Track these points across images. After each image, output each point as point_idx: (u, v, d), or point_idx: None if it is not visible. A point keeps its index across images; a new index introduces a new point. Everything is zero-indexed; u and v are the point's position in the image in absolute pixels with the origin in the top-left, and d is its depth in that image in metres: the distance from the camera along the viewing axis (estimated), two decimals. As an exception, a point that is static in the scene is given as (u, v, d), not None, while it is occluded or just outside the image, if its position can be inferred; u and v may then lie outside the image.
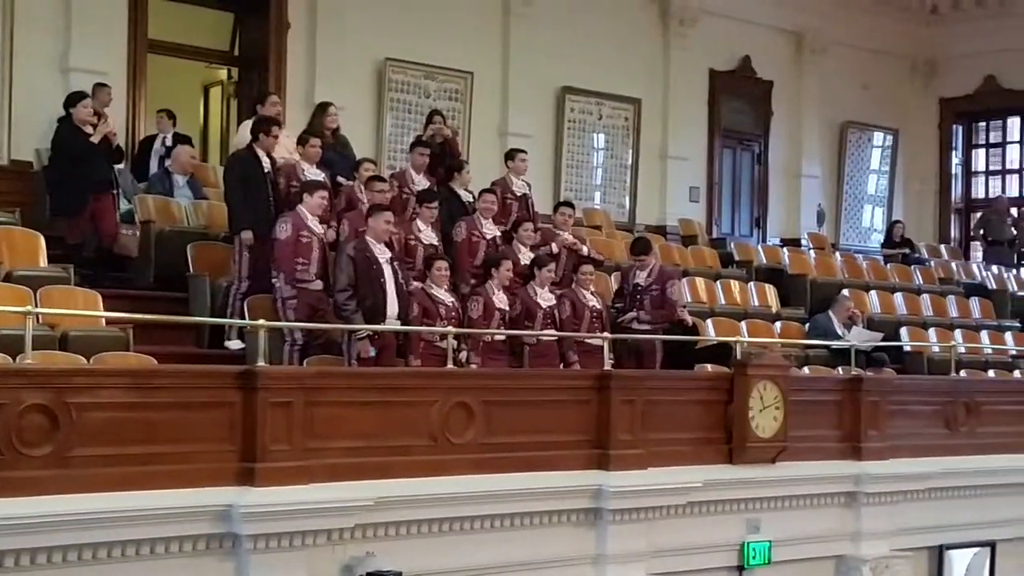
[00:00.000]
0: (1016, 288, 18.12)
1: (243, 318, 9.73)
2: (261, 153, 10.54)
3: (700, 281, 14.07)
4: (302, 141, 10.95)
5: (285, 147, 11.24)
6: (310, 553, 7.35)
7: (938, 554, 11.22)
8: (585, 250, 11.85)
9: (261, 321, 8.14)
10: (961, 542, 11.43)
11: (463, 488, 8.08)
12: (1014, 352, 15.54)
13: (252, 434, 7.33)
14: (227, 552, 7.13)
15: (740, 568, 9.69)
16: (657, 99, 17.40)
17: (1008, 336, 16.11)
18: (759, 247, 17.02)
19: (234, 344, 10.14)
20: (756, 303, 14.50)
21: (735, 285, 14.55)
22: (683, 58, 17.60)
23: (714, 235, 17.59)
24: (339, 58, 14.20)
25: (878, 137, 20.40)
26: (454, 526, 8.04)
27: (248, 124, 11.39)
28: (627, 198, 17.15)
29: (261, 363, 7.58)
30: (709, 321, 12.87)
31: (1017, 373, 15.02)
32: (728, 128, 18.42)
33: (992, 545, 11.66)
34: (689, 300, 13.00)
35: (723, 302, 14.02)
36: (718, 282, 14.37)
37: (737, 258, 16.02)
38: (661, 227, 16.87)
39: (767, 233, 18.65)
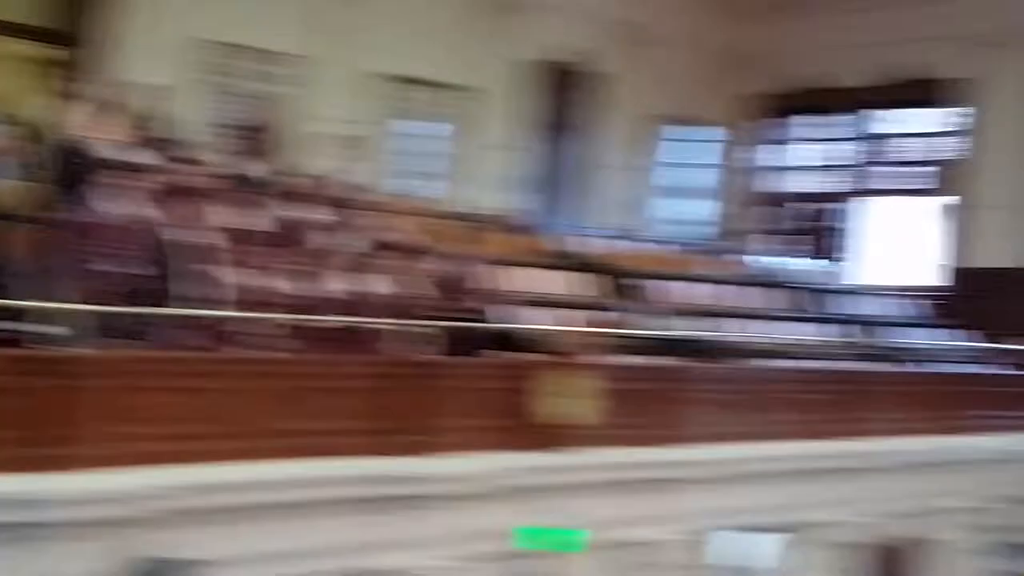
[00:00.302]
0: (819, 281, 18.87)
1: (57, 302, 9.71)
2: (80, 134, 10.52)
3: (516, 270, 14.31)
4: (122, 122, 10.95)
5: (105, 128, 11.22)
6: (106, 540, 7.37)
7: (713, 537, 11.52)
8: (398, 238, 12.04)
9: (73, 305, 8.20)
10: (755, 525, 11.80)
11: (260, 475, 8.17)
12: (811, 341, 16.22)
13: (56, 420, 7.39)
14: (26, 539, 7.12)
15: (538, 553, 9.82)
16: (487, 89, 17.74)
17: (806, 326, 16.83)
18: (578, 238, 17.36)
19: (47, 329, 10.10)
20: (571, 292, 14.87)
21: (552, 274, 14.88)
22: (512, 49, 17.95)
23: (534, 224, 17.92)
24: (164, 39, 14.22)
25: (700, 131, 21.01)
26: (252, 513, 8.09)
27: (67, 104, 11.35)
28: (453, 186, 17.44)
29: (71, 348, 7.68)
30: (524, 310, 13.17)
31: (815, 363, 15.68)
32: (554, 119, 18.83)
33: (789, 530, 12.10)
34: (504, 288, 13.24)
35: (539, 290, 14.33)
36: (535, 271, 14.67)
37: (556, 248, 16.34)
38: (482, 216, 17.14)
39: (586, 224, 19.01)
